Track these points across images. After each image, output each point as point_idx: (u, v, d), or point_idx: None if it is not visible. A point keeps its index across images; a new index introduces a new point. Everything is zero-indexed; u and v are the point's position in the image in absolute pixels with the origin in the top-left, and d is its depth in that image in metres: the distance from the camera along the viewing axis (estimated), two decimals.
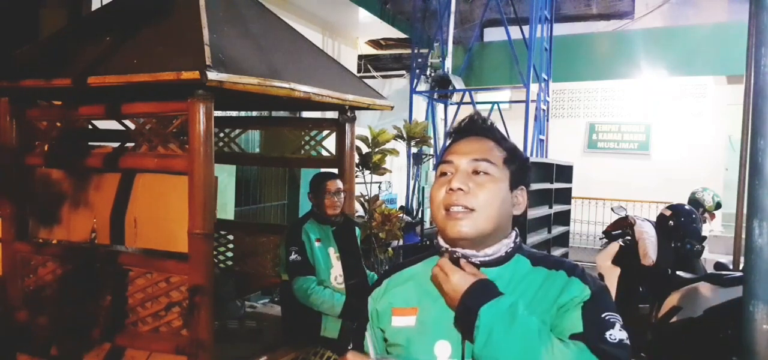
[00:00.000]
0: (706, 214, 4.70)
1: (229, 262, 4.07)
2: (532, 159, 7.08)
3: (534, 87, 8.27)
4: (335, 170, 3.38)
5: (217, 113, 2.55)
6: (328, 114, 3.89)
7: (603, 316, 1.06)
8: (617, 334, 1.04)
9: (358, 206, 6.06)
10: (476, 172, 1.14)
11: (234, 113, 4.29)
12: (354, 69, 8.80)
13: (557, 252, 7.72)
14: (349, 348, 1.20)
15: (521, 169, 1.19)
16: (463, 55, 10.11)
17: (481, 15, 9.73)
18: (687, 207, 4.33)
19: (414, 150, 8.46)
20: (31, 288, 2.80)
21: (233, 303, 3.60)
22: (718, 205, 4.76)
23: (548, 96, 9.00)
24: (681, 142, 10.41)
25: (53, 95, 2.82)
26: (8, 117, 2.71)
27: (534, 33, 8.16)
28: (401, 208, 8.22)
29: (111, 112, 2.56)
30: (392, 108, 3.43)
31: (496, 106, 9.08)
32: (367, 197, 6.48)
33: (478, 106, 9.10)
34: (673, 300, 3.59)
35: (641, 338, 3.74)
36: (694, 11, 9.86)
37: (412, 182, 8.85)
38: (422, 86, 9.29)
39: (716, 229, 8.40)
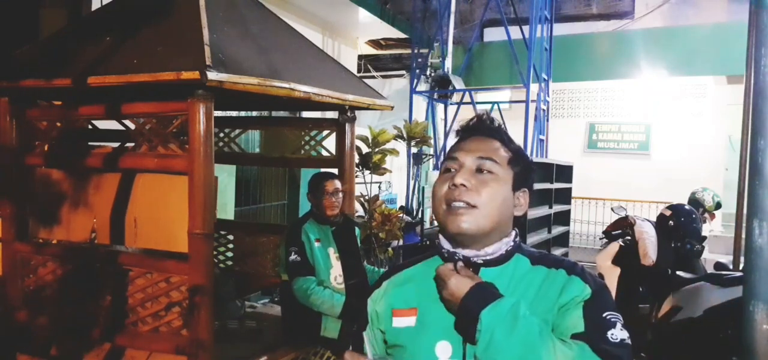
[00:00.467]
0: (706, 214, 4.70)
1: (229, 262, 4.07)
2: (533, 159, 7.07)
3: (534, 87, 8.27)
4: (335, 170, 3.38)
5: (217, 113, 2.55)
6: (328, 114, 3.89)
7: (604, 315, 1.06)
8: (619, 333, 1.04)
9: (358, 206, 6.06)
10: (480, 170, 1.14)
11: (234, 113, 4.29)
12: (354, 69, 8.80)
13: (557, 252, 7.71)
14: (349, 349, 1.20)
15: (525, 171, 1.20)
16: (463, 55, 10.11)
17: (481, 15, 9.73)
18: (687, 207, 4.33)
19: (414, 150, 8.47)
20: (31, 288, 2.79)
21: (233, 303, 3.60)
22: (718, 205, 4.76)
23: (548, 96, 9.00)
24: (681, 142, 10.41)
25: (53, 95, 2.82)
26: (8, 117, 2.71)
27: (534, 33, 8.16)
28: (401, 208, 8.22)
29: (111, 112, 2.56)
30: (392, 108, 3.43)
31: (496, 106, 9.08)
32: (367, 197, 6.48)
33: (478, 106, 9.11)
34: (673, 300, 3.58)
35: (641, 338, 3.74)
36: (694, 11, 9.85)
37: (412, 182, 8.85)
38: (422, 86, 9.29)
39: (716, 229, 8.39)
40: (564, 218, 8.41)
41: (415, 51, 9.14)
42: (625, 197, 9.08)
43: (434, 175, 8.25)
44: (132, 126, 2.60)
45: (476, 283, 1.08)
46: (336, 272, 3.11)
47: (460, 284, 1.08)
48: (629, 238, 4.35)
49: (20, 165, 2.76)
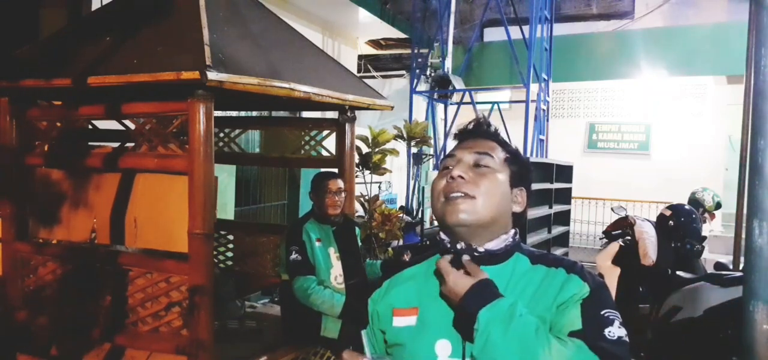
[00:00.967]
0: (706, 214, 4.70)
1: (229, 262, 4.07)
2: (532, 159, 7.08)
3: (534, 87, 8.27)
4: (335, 170, 3.38)
5: (217, 113, 2.55)
6: (328, 114, 3.89)
7: (602, 313, 1.06)
8: (616, 331, 1.04)
9: (358, 206, 6.07)
10: (477, 165, 1.16)
11: (234, 113, 4.29)
12: (354, 69, 8.80)
13: (557, 252, 7.71)
14: (349, 348, 1.20)
15: (522, 170, 1.21)
16: (463, 55, 10.11)
17: (481, 15, 9.73)
18: (687, 207, 4.33)
19: (414, 150, 8.47)
20: (31, 288, 2.79)
21: (233, 303, 3.60)
22: (718, 205, 4.76)
23: (548, 96, 9.00)
24: (681, 142, 10.41)
25: (53, 95, 2.82)
26: (8, 117, 2.71)
27: (534, 33, 8.16)
28: (401, 208, 8.22)
29: (111, 112, 2.56)
30: (392, 108, 3.43)
31: (496, 106, 9.08)
32: (367, 197, 6.49)
33: (478, 106, 9.11)
34: (673, 300, 3.58)
35: (641, 338, 3.74)
36: (694, 11, 9.85)
37: (412, 182, 8.85)
38: (422, 86, 9.29)
39: (716, 229, 8.39)
40: (564, 218, 8.41)
41: (415, 51, 9.14)
42: (625, 197, 9.08)
43: (434, 174, 8.25)
44: (132, 126, 2.60)
45: (477, 280, 1.08)
46: (336, 272, 3.11)
47: (459, 281, 1.08)
48: (629, 238, 4.35)
49: (20, 165, 2.76)
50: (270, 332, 3.45)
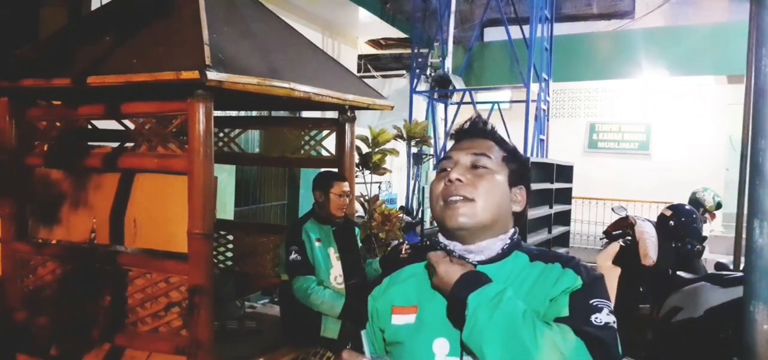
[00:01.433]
0: (707, 214, 4.70)
1: (229, 262, 4.07)
2: (533, 159, 7.08)
3: (534, 87, 8.27)
4: (335, 170, 3.38)
5: (217, 113, 2.55)
6: (328, 114, 3.89)
7: (591, 302, 1.05)
8: (604, 317, 1.03)
9: (358, 206, 6.07)
10: (475, 166, 1.15)
11: (234, 113, 4.29)
12: (354, 69, 8.80)
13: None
14: (348, 347, 1.20)
15: (521, 169, 1.21)
16: (463, 55, 10.11)
17: (481, 15, 9.73)
18: (687, 207, 4.32)
19: (414, 150, 8.47)
20: (31, 288, 2.79)
21: (233, 303, 3.60)
22: (718, 205, 4.75)
23: (548, 96, 9.00)
24: (681, 142, 10.41)
25: (53, 95, 2.82)
26: (8, 117, 2.71)
27: (534, 33, 8.16)
28: (401, 208, 8.22)
29: (111, 112, 2.56)
30: (392, 108, 3.43)
31: (496, 106, 9.08)
32: (367, 197, 6.49)
33: (478, 106, 9.10)
34: (673, 300, 3.58)
35: (641, 338, 3.74)
36: (695, 11, 9.85)
37: (412, 182, 8.85)
38: (422, 86, 9.29)
39: (717, 229, 8.39)
40: (564, 218, 8.41)
41: (415, 51, 9.14)
42: (625, 197, 9.08)
43: (434, 175, 8.24)
44: (131, 126, 2.60)
45: (468, 269, 1.09)
46: (336, 272, 3.11)
47: (450, 271, 1.09)
48: (629, 238, 4.35)
49: (20, 165, 2.76)
50: (270, 332, 3.45)
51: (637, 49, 9.46)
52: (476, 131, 1.22)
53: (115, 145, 2.63)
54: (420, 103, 9.46)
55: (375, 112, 4.60)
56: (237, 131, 3.83)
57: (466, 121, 1.25)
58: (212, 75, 2.09)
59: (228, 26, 2.51)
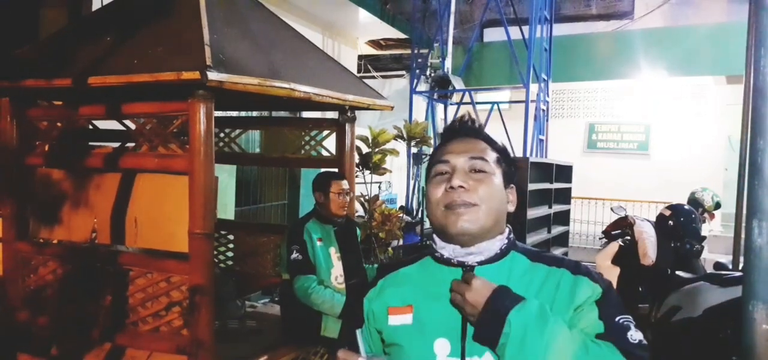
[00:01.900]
0: (706, 214, 4.70)
1: (230, 262, 4.07)
2: (532, 159, 7.07)
3: (534, 87, 8.27)
4: (335, 170, 3.38)
5: (217, 113, 2.55)
6: (328, 114, 3.89)
7: (618, 319, 1.09)
8: (636, 335, 1.08)
9: (358, 206, 6.07)
10: (474, 170, 1.16)
11: (234, 113, 4.30)
12: (354, 69, 8.80)
13: (557, 252, 7.70)
14: (344, 347, 1.20)
15: (511, 168, 1.23)
16: (463, 55, 10.11)
17: (481, 15, 9.74)
18: (686, 207, 4.33)
19: (414, 150, 8.47)
20: (32, 288, 2.80)
21: (233, 303, 3.61)
22: (717, 205, 4.76)
23: (548, 96, 9.00)
24: (681, 142, 10.41)
25: (54, 95, 2.82)
26: (9, 117, 2.71)
27: (534, 33, 8.16)
28: (401, 208, 8.23)
29: (111, 112, 2.56)
30: (392, 108, 3.43)
31: (495, 106, 9.08)
32: (367, 197, 6.49)
33: (478, 107, 9.11)
34: (672, 300, 3.58)
35: None
36: (694, 11, 9.86)
37: (412, 182, 8.86)
38: (422, 86, 9.29)
39: (716, 229, 8.40)
40: (564, 218, 8.41)
41: (415, 51, 9.14)
42: (624, 197, 9.08)
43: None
44: (132, 126, 2.60)
45: (496, 287, 1.08)
46: (337, 272, 3.12)
47: (478, 293, 1.07)
48: (629, 238, 4.35)
49: (21, 165, 2.77)
50: (270, 332, 3.46)
51: (637, 50, 9.46)
52: (467, 131, 1.22)
53: (116, 145, 2.64)
54: (420, 104, 9.47)
55: (375, 112, 4.61)
56: (237, 131, 3.84)
57: (455, 121, 1.25)
58: (213, 75, 2.10)
59: (228, 27, 2.51)
